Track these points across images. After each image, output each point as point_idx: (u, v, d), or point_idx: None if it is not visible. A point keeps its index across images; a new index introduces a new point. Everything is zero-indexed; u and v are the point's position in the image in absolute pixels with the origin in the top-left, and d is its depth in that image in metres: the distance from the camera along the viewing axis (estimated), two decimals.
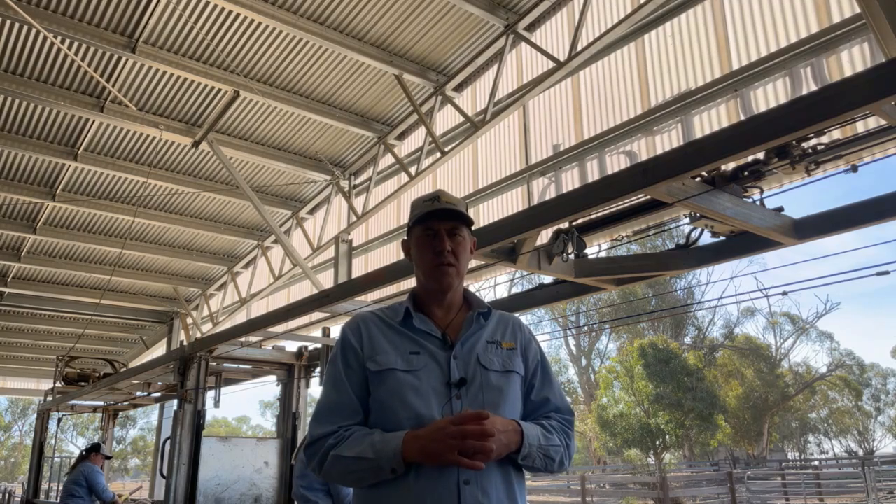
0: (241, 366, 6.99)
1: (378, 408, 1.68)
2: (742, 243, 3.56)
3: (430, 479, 1.55)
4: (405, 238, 1.89)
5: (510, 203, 7.97)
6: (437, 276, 1.76)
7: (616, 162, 6.78)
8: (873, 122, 3.36)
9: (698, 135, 5.96)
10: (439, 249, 1.75)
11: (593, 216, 3.89)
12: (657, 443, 24.45)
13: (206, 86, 8.07)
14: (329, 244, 10.51)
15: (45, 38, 7.03)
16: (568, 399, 2.27)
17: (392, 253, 9.77)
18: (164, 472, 5.99)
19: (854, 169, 3.36)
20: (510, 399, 1.72)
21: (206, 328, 13.59)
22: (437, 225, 1.77)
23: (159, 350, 15.61)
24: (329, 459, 1.62)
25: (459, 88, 8.39)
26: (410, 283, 1.93)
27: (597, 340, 36.69)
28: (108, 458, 8.50)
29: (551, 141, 7.53)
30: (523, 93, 7.42)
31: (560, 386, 1.92)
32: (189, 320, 14.03)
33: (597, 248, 5.78)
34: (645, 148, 6.49)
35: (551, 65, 6.98)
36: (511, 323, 1.88)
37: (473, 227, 1.87)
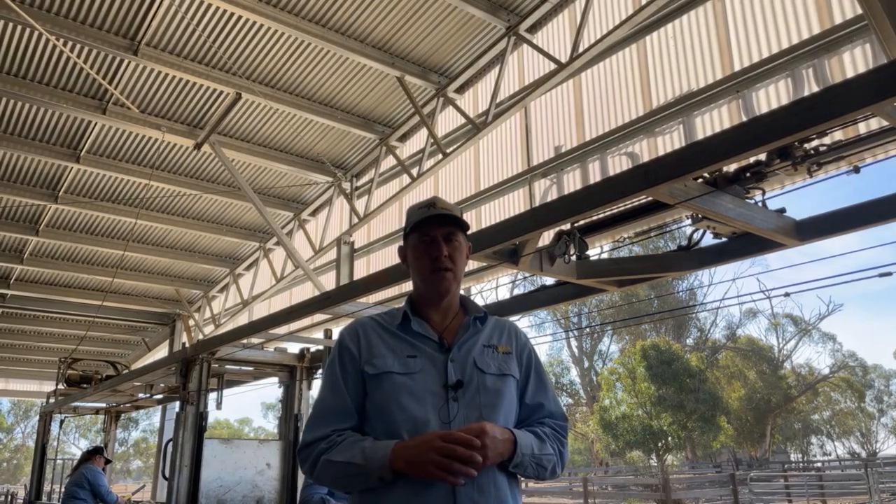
0: (243, 367, 7.00)
1: (375, 411, 1.68)
2: (744, 245, 3.55)
3: (424, 480, 1.54)
4: (401, 245, 1.91)
5: (512, 205, 7.97)
6: (434, 281, 1.79)
7: (618, 163, 6.77)
8: (875, 124, 3.36)
9: (700, 136, 5.95)
10: (436, 255, 1.77)
11: (595, 218, 3.89)
12: (659, 444, 24.42)
13: (208, 88, 8.08)
14: (331, 246, 10.52)
15: (47, 41, 7.05)
16: (562, 405, 2.24)
17: (394, 255, 9.75)
18: (167, 474, 6.01)
19: (856, 170, 3.36)
20: (506, 402, 1.73)
21: (208, 330, 13.60)
22: (433, 231, 1.79)
23: (161, 352, 15.62)
24: (320, 463, 1.63)
25: (461, 90, 8.40)
26: (411, 285, 1.94)
27: (599, 342, 36.70)
28: (109, 461, 8.50)
29: (553, 142, 7.53)
30: (525, 94, 7.42)
31: (554, 391, 1.93)
32: (191, 322, 14.04)
33: (599, 249, 5.78)
34: (647, 149, 6.49)
35: (553, 66, 6.98)
36: (507, 328, 1.90)
37: (475, 230, 1.88)
